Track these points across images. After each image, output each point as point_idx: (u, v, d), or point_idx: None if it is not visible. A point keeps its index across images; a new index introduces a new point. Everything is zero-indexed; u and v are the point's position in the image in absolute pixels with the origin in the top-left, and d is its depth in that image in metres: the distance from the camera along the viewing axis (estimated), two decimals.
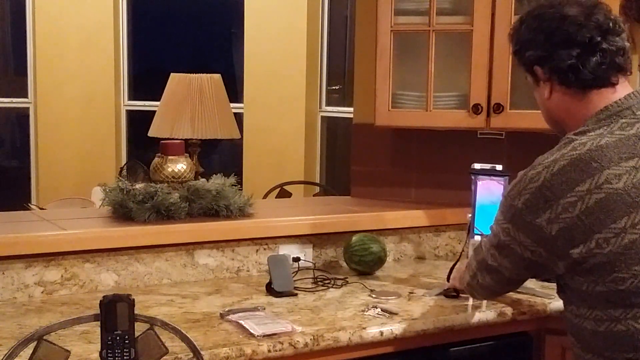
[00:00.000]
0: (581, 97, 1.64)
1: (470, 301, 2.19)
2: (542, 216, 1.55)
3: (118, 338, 1.43)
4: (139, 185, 2.41)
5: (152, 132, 4.15)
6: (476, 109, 2.56)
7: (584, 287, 1.57)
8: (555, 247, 1.56)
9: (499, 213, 1.69)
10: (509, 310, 2.13)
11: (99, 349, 1.44)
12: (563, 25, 1.61)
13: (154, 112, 4.26)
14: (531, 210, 1.57)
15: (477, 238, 2.33)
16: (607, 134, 1.57)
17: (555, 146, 1.65)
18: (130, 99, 6.26)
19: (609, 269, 1.51)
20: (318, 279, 2.36)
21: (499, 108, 2.54)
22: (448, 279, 2.29)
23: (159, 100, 4.25)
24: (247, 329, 1.84)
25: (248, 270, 2.45)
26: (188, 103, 4.04)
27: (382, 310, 2.05)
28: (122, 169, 5.76)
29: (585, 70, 1.60)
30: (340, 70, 5.71)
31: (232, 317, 1.93)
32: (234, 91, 5.58)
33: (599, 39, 1.60)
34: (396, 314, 2.03)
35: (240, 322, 1.89)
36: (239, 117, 4.96)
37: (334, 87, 5.75)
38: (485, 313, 2.10)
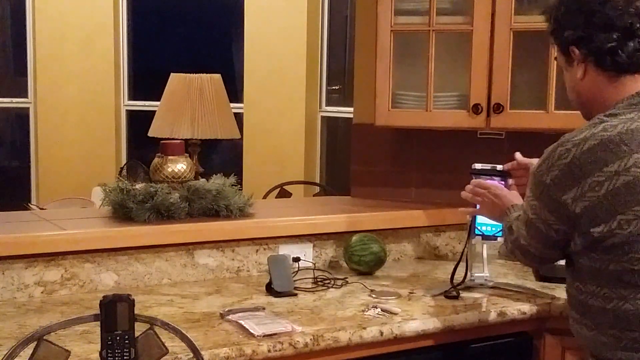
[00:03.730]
0: (614, 81, 1.67)
1: (471, 301, 2.19)
2: (568, 193, 1.58)
3: (118, 338, 1.43)
4: (139, 185, 2.41)
5: (152, 132, 4.15)
6: (476, 109, 2.56)
7: (597, 265, 1.59)
8: (577, 225, 1.59)
9: (528, 190, 1.71)
10: (509, 310, 2.13)
11: (99, 349, 1.44)
12: (604, 8, 1.63)
13: (154, 112, 4.26)
14: (559, 187, 1.59)
15: (478, 238, 2.34)
16: (638, 119, 1.60)
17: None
18: (130, 99, 6.26)
19: (626, 249, 1.54)
20: (318, 279, 2.36)
21: (499, 108, 2.54)
22: (451, 279, 2.29)
23: (159, 100, 4.25)
24: (247, 329, 1.84)
25: (248, 270, 2.45)
26: (188, 103, 4.04)
27: (382, 310, 2.05)
28: (122, 169, 5.76)
29: (623, 54, 1.63)
30: (340, 70, 5.71)
31: (232, 317, 1.93)
32: (234, 91, 5.58)
33: (638, 25, 1.62)
34: (396, 314, 2.03)
35: (240, 322, 1.89)
36: (239, 117, 4.96)
37: (334, 87, 5.74)
38: (485, 313, 2.11)
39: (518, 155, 2.23)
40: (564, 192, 1.58)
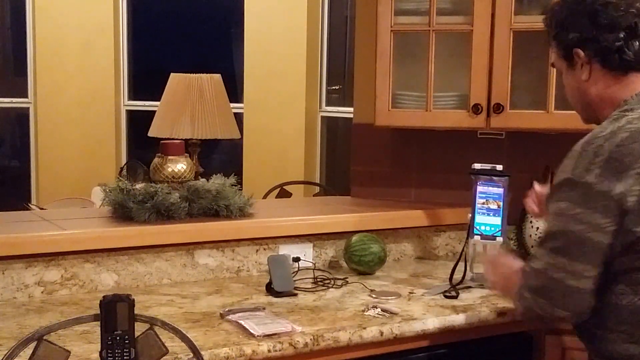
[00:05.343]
0: (622, 79, 1.68)
1: (471, 301, 2.20)
2: (617, 187, 1.52)
3: (118, 338, 1.43)
4: (139, 185, 2.41)
5: (152, 132, 4.15)
6: (476, 109, 2.56)
7: (624, 267, 1.56)
8: (629, 223, 1.53)
9: (556, 207, 1.59)
10: (509, 310, 2.13)
11: (99, 349, 1.44)
12: (606, 9, 1.65)
13: (154, 112, 4.26)
14: (605, 184, 1.53)
15: (477, 238, 2.34)
16: None
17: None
18: (130, 99, 6.26)
19: None
20: (318, 279, 2.36)
21: (499, 108, 2.54)
22: (450, 279, 2.29)
23: (159, 100, 4.25)
24: (247, 329, 1.84)
25: (248, 270, 2.45)
26: (188, 103, 4.04)
27: (382, 310, 2.05)
28: (122, 169, 5.76)
29: (630, 52, 1.65)
30: (340, 70, 5.70)
31: (232, 317, 1.93)
32: (234, 91, 5.57)
33: None
34: (396, 314, 2.03)
35: (240, 322, 1.89)
36: (239, 117, 4.96)
37: (334, 87, 5.74)
38: (485, 313, 2.11)
39: (537, 188, 2.10)
40: (612, 188, 1.52)
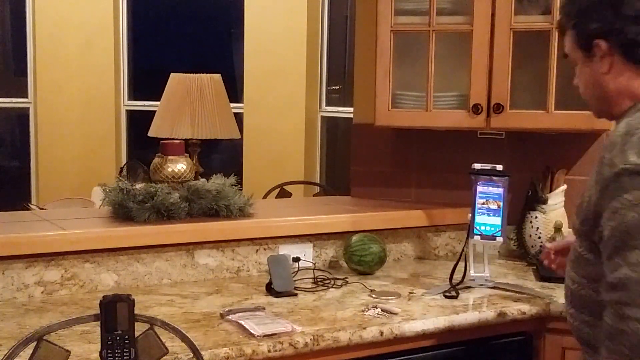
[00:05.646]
0: None
1: (471, 301, 2.20)
2: None
3: (118, 338, 1.43)
4: (139, 185, 2.41)
5: (152, 132, 4.15)
6: (476, 109, 2.56)
7: None
8: None
9: (623, 200, 1.43)
10: (509, 310, 2.13)
11: (99, 349, 1.44)
12: (630, 1, 1.58)
13: (154, 112, 4.26)
14: None
15: (477, 238, 2.34)
16: None
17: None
18: (130, 99, 6.27)
19: None
20: (318, 279, 2.36)
21: (499, 108, 2.54)
22: (450, 279, 2.29)
23: (159, 100, 4.25)
24: (247, 329, 1.84)
25: (248, 270, 2.45)
26: (188, 103, 4.04)
27: (382, 310, 2.05)
28: (122, 169, 5.76)
29: None
30: (340, 70, 5.70)
31: (232, 317, 1.93)
32: (234, 91, 5.57)
33: None
34: (396, 314, 2.03)
35: (240, 322, 1.89)
36: (239, 117, 4.96)
37: (334, 87, 5.74)
38: (485, 313, 2.11)
39: (550, 245, 2.03)
40: None
